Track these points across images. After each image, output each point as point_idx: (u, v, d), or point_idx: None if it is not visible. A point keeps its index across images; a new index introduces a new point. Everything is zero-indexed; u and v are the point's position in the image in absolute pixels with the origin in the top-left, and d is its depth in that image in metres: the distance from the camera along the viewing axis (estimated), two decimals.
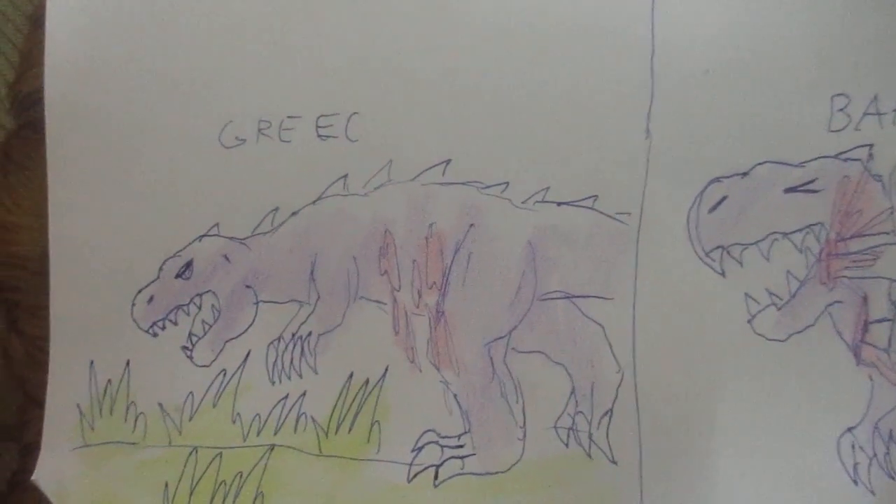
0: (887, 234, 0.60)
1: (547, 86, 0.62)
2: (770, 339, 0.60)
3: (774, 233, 0.61)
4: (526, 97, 0.62)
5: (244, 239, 0.65)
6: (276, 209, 0.65)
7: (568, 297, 0.63)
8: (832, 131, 0.60)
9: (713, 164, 0.61)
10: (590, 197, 0.63)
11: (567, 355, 0.62)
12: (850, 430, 0.60)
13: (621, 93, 0.62)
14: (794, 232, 0.61)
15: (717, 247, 0.61)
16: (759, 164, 0.61)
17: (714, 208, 0.61)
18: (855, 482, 0.59)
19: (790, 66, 0.60)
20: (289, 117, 0.64)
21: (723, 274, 0.61)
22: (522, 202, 0.63)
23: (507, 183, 0.63)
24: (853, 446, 0.59)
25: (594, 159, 0.62)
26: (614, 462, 0.62)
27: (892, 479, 0.59)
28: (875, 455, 0.59)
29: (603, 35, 0.62)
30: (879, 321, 0.60)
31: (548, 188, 0.63)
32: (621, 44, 0.62)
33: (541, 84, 0.62)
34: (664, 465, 0.61)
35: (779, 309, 0.60)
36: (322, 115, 0.64)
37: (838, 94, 0.60)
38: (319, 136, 0.64)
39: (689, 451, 0.60)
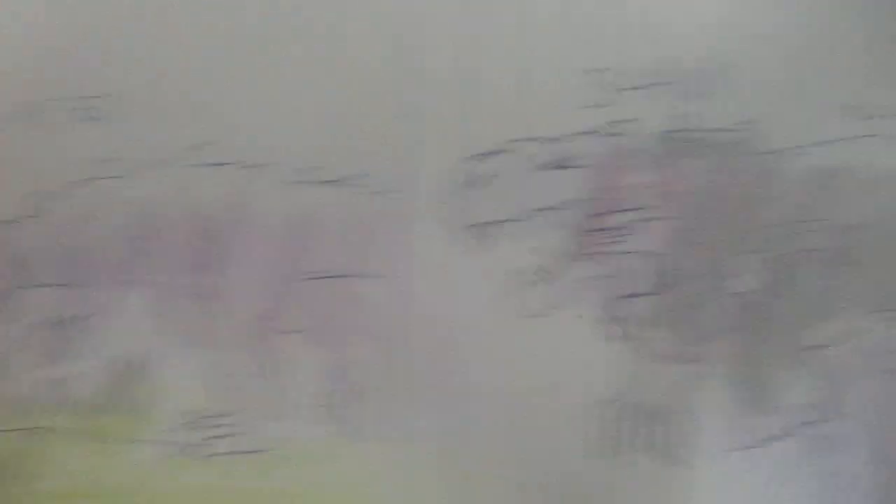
0: (646, 208, 0.60)
1: (332, 63, 0.62)
2: (530, 314, 0.60)
3: (536, 208, 0.61)
4: (293, 77, 0.62)
5: (9, 222, 0.62)
6: (37, 192, 0.62)
7: (335, 276, 0.61)
8: (590, 107, 0.61)
9: (476, 143, 0.61)
10: (362, 175, 0.62)
11: (331, 334, 0.61)
12: (601, 401, 0.60)
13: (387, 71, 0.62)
14: (555, 207, 0.61)
15: (483, 223, 0.61)
16: (520, 141, 0.61)
17: (479, 186, 0.61)
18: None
19: (547, 44, 0.61)
20: (49, 100, 0.62)
21: (487, 250, 0.61)
22: (289, 182, 0.62)
23: (272, 163, 0.62)
24: (604, 418, 0.60)
25: (362, 140, 0.62)
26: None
27: (639, 449, 0.60)
28: (625, 426, 0.60)
29: None
30: (635, 295, 0.60)
31: (315, 168, 0.62)
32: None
33: (315, 62, 0.62)
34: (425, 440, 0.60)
35: (539, 284, 0.60)
36: (81, 97, 0.62)
37: (596, 70, 0.61)
38: (80, 118, 0.62)
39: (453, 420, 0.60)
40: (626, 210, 0.60)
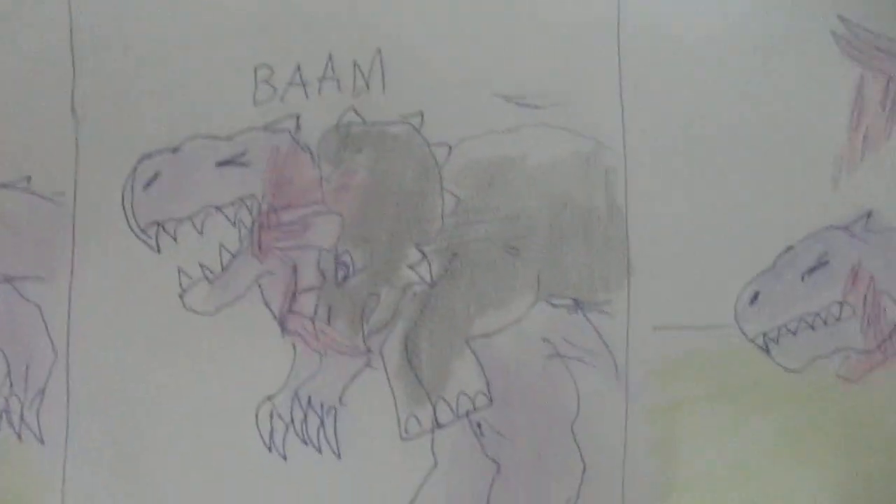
0: (317, 203, 0.60)
1: None
2: (200, 313, 0.60)
3: (208, 206, 0.60)
4: None
5: None
6: None
7: (7, 280, 0.61)
8: (258, 103, 0.60)
9: (143, 141, 0.61)
10: (23, 178, 0.61)
11: (4, 337, 0.61)
12: (270, 398, 0.60)
13: (44, 72, 0.61)
14: (227, 205, 0.60)
15: (153, 222, 0.60)
16: (190, 139, 0.60)
17: (148, 185, 0.60)
18: (269, 449, 0.60)
19: (215, 41, 0.60)
20: None
21: (158, 250, 0.60)
22: None
23: None
24: (272, 414, 0.60)
25: (24, 140, 0.61)
26: (42, 442, 0.60)
27: (306, 444, 0.60)
28: (292, 421, 0.60)
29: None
30: (307, 290, 0.60)
31: None
32: (39, 20, 0.60)
33: None
34: (92, 443, 0.60)
35: (210, 283, 0.60)
36: None
37: (261, 66, 0.60)
38: None
39: (119, 427, 0.60)
40: (298, 206, 0.60)
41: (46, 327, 0.60)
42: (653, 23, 0.60)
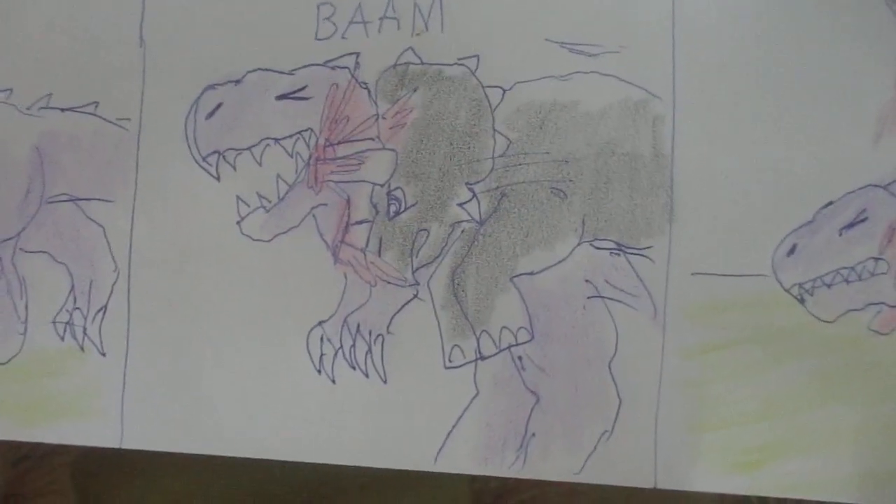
0: (372, 139, 0.63)
1: None
2: (255, 240, 0.63)
3: (267, 138, 0.63)
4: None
5: None
6: None
7: (73, 200, 0.64)
8: (319, 39, 0.63)
9: (208, 72, 0.63)
10: (91, 103, 0.64)
11: (69, 254, 0.64)
12: (321, 323, 0.63)
13: (114, 1, 0.64)
14: (285, 138, 0.63)
15: (213, 152, 0.63)
16: (251, 71, 0.63)
17: (210, 115, 0.63)
18: (319, 371, 0.63)
19: None
20: None
21: (217, 178, 0.63)
22: (27, 109, 0.64)
23: (10, 90, 0.64)
24: (322, 339, 0.63)
25: (93, 66, 0.64)
26: (103, 354, 0.64)
27: (353, 368, 0.63)
28: (341, 347, 0.63)
29: None
30: (359, 223, 0.63)
31: (50, 94, 0.64)
32: None
33: None
34: (150, 356, 0.64)
35: (267, 211, 0.63)
36: None
37: (324, 3, 0.62)
38: None
39: (176, 343, 0.63)
40: (354, 141, 0.62)
41: (109, 247, 0.63)
42: None
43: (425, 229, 0.62)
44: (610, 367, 0.61)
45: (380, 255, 0.62)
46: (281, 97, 0.62)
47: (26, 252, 0.64)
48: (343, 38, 0.62)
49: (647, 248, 0.61)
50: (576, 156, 0.62)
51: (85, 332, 0.63)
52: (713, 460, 0.60)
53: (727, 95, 0.61)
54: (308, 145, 0.62)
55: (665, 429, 0.60)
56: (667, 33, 0.62)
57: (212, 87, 0.62)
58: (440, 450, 0.62)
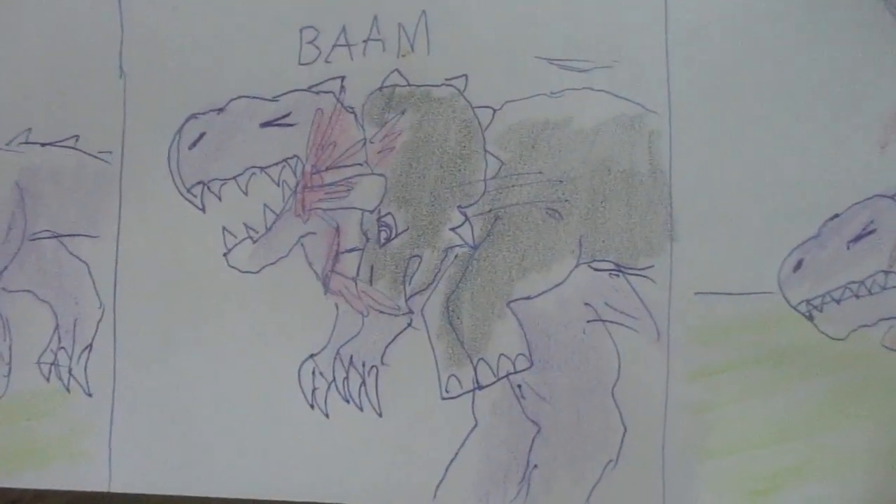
0: (360, 165, 0.61)
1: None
2: (243, 272, 0.61)
3: (252, 167, 0.61)
4: None
5: None
6: None
7: (55, 236, 0.63)
8: (303, 64, 0.61)
9: (190, 101, 0.62)
10: (71, 137, 0.62)
11: (53, 292, 0.63)
12: (312, 356, 0.61)
13: (92, 32, 0.62)
14: (270, 166, 0.61)
15: (198, 182, 0.62)
16: (234, 99, 0.61)
17: (193, 145, 0.61)
18: (312, 406, 0.61)
19: (265, 2, 0.61)
20: None
21: (203, 209, 0.62)
22: (6, 144, 0.63)
23: None
24: (314, 372, 0.61)
25: (72, 99, 0.63)
26: (89, 394, 0.62)
27: (347, 402, 0.61)
28: (334, 380, 0.61)
29: None
30: (350, 251, 0.61)
31: (30, 129, 0.63)
32: None
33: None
34: (137, 395, 0.62)
35: (254, 242, 0.61)
36: None
37: (307, 27, 0.61)
38: None
39: (164, 381, 0.61)
40: (342, 167, 0.61)
41: (94, 283, 0.61)
42: None
43: (418, 255, 0.60)
44: (613, 394, 0.59)
45: (371, 284, 0.60)
46: (265, 124, 0.60)
47: (8, 292, 0.62)
48: (327, 61, 0.60)
49: (648, 267, 0.59)
50: (571, 175, 0.60)
51: (70, 373, 0.62)
52: (725, 488, 0.57)
53: (725, 108, 0.59)
54: (294, 173, 0.60)
55: (672, 456, 0.58)
56: (660, 46, 0.60)
57: (194, 116, 0.61)
58: (439, 484, 0.59)
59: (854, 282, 0.59)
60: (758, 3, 0.59)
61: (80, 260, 0.61)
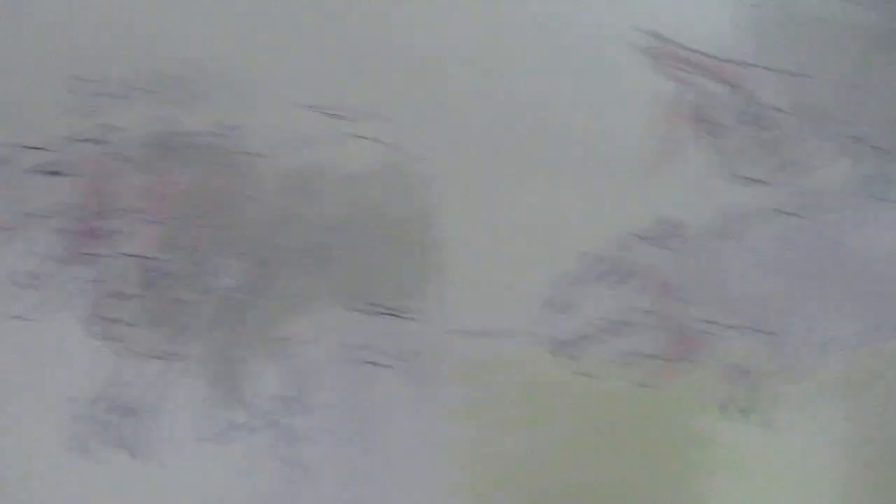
0: (136, 212, 0.61)
1: None
2: (23, 319, 0.60)
3: (24, 214, 0.61)
4: None
5: None
6: None
7: None
8: (72, 114, 0.61)
9: None
10: None
11: None
12: (75, 401, 0.60)
13: None
14: (43, 214, 0.61)
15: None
16: (4, 146, 0.61)
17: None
18: (75, 453, 0.60)
19: (33, 52, 0.61)
20: None
21: None
22: None
23: None
24: (77, 418, 0.60)
25: None
26: None
27: (113, 447, 0.60)
28: (99, 426, 0.60)
29: None
30: (119, 296, 0.61)
31: None
32: None
33: None
34: None
35: (36, 290, 0.61)
36: None
37: (75, 77, 0.61)
38: None
39: None
40: (115, 214, 0.61)
41: None
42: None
43: (185, 300, 0.61)
44: (379, 431, 0.60)
45: (140, 327, 0.60)
46: (39, 173, 0.60)
47: None
48: (101, 112, 0.61)
49: (417, 310, 0.61)
50: (340, 220, 0.61)
51: None
52: None
53: (490, 153, 0.62)
54: (68, 220, 0.60)
55: (424, 491, 0.60)
56: (430, 95, 0.62)
57: None
58: None
59: (612, 321, 0.62)
60: (494, 57, 0.62)
61: None
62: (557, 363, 0.60)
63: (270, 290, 0.61)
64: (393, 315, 0.60)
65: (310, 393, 0.60)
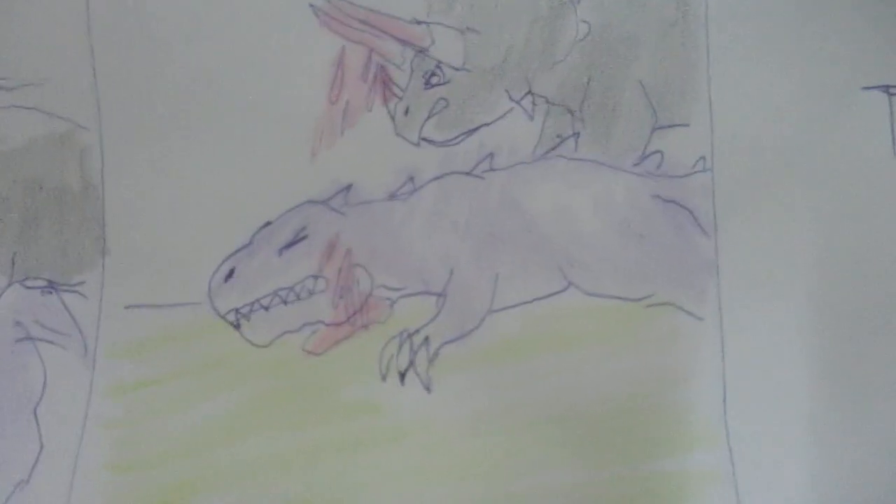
0: None
1: None
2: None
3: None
4: None
5: None
6: None
7: None
8: None
9: None
10: None
11: None
12: None
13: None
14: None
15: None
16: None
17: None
18: None
19: None
20: None
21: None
22: None
23: None
24: None
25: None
26: None
27: None
28: None
29: None
30: None
31: None
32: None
33: None
34: None
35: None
36: None
37: None
38: None
39: None
40: None
41: None
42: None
43: None
44: (35, 412, 0.58)
45: None
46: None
47: None
48: None
49: (80, 283, 0.59)
50: (3, 194, 0.60)
51: None
52: (131, 502, 0.58)
53: (157, 124, 0.59)
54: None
55: (84, 471, 0.58)
56: (87, 62, 0.60)
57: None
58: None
59: (283, 288, 0.60)
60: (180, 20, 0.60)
61: None
62: (227, 335, 0.58)
63: None
64: (56, 290, 0.58)
65: None
